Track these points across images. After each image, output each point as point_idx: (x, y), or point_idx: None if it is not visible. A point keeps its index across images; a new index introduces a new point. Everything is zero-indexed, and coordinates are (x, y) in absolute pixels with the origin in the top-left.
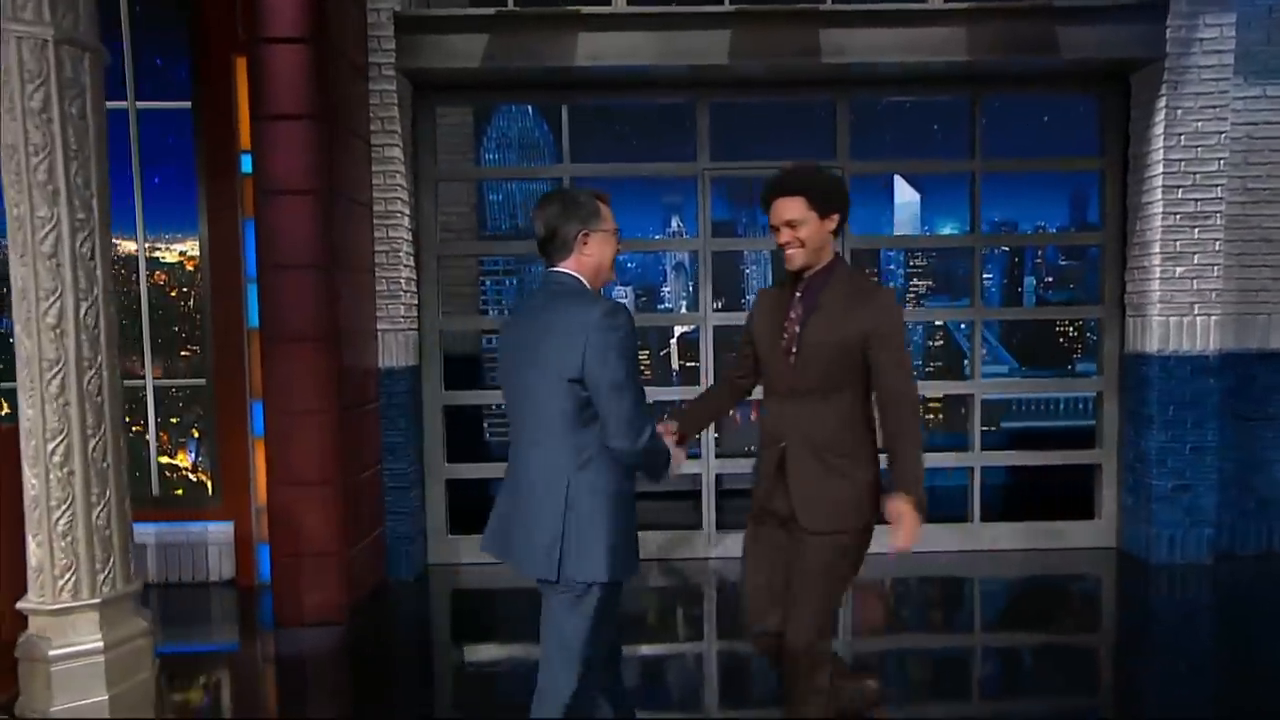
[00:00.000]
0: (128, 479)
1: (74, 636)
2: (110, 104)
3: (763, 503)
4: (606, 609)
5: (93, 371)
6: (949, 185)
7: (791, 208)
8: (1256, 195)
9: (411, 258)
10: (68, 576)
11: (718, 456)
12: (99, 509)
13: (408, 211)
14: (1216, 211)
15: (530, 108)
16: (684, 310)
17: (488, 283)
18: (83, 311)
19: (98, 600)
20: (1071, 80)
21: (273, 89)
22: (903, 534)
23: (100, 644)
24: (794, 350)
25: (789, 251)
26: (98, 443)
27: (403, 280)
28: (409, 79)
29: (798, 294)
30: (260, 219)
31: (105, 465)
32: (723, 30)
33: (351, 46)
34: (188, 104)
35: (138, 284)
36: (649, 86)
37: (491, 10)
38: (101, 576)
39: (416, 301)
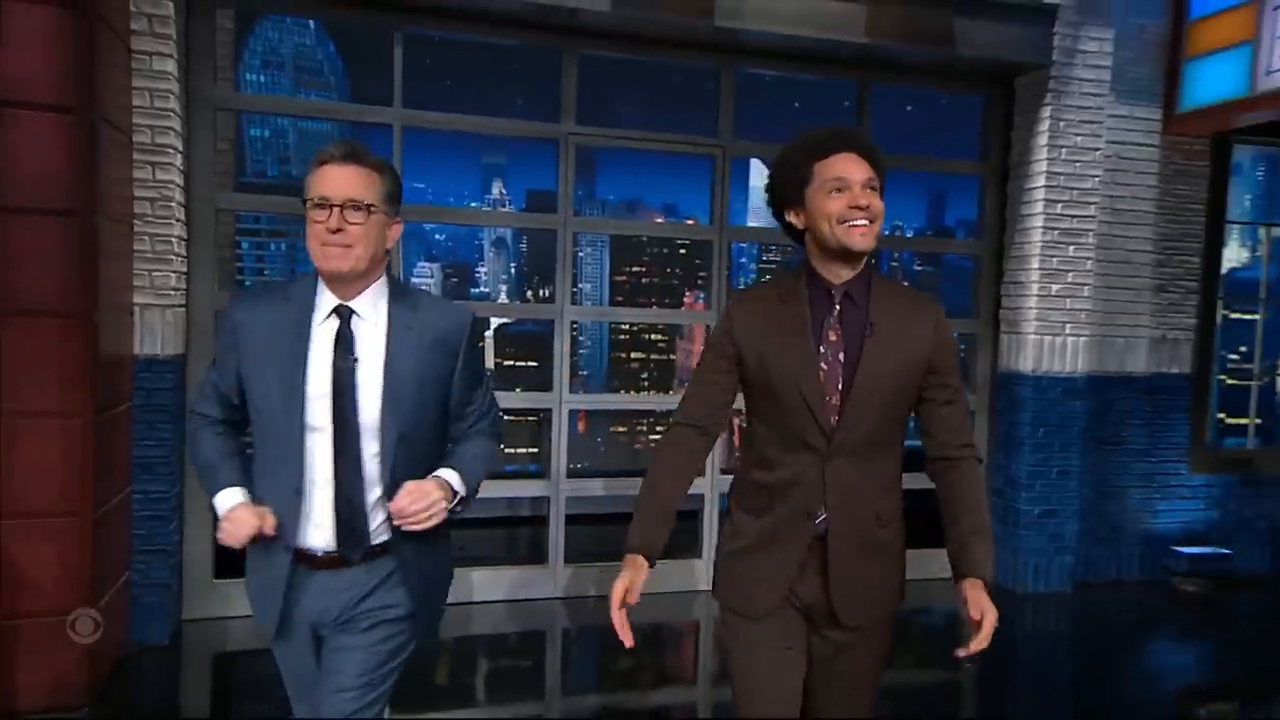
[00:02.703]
0: None
1: None
2: None
3: (775, 591)
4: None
5: None
6: None
7: (871, 169)
8: (1122, 216)
9: (183, 209)
10: None
11: (570, 476)
12: None
13: (180, 146)
14: (1090, 230)
15: (312, 22)
16: (503, 296)
17: (245, 244)
18: None
19: None
20: (961, 78)
21: None
22: (986, 630)
23: None
24: (843, 388)
25: (861, 227)
26: None
27: (174, 239)
28: None
29: (836, 305)
30: None
31: None
32: None
33: None
34: None
35: None
36: (510, 25)
37: None
38: None
39: (186, 269)
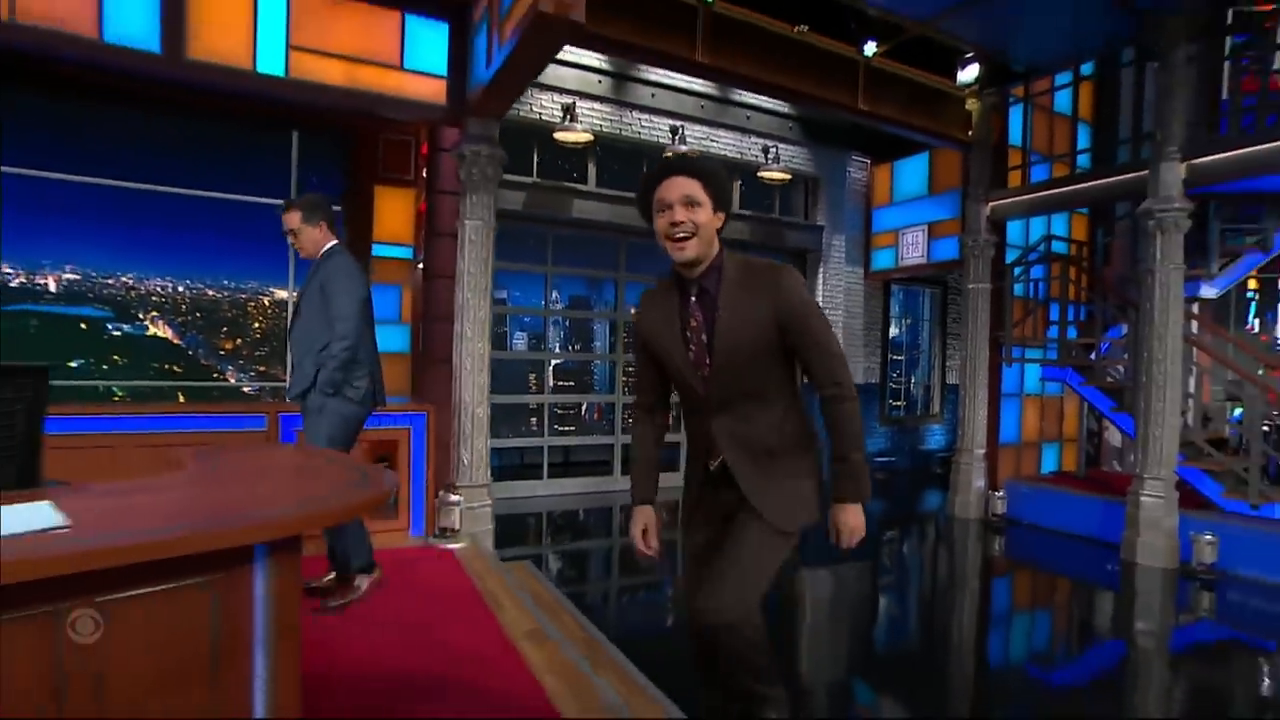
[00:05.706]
0: None
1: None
2: None
3: (697, 505)
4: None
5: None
6: None
7: (691, 185)
8: (851, 314)
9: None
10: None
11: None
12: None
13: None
14: (839, 320)
15: None
16: (556, 348)
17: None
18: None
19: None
20: (784, 253)
21: (438, 217)
22: (843, 538)
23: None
24: (706, 363)
25: (680, 239)
26: None
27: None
28: None
29: (691, 298)
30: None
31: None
32: None
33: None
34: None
35: None
36: (598, 228)
37: (529, 180)
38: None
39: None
